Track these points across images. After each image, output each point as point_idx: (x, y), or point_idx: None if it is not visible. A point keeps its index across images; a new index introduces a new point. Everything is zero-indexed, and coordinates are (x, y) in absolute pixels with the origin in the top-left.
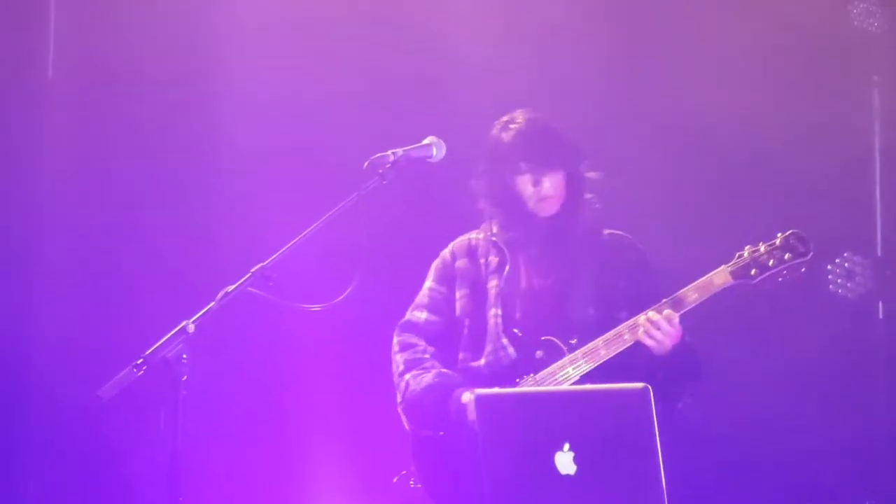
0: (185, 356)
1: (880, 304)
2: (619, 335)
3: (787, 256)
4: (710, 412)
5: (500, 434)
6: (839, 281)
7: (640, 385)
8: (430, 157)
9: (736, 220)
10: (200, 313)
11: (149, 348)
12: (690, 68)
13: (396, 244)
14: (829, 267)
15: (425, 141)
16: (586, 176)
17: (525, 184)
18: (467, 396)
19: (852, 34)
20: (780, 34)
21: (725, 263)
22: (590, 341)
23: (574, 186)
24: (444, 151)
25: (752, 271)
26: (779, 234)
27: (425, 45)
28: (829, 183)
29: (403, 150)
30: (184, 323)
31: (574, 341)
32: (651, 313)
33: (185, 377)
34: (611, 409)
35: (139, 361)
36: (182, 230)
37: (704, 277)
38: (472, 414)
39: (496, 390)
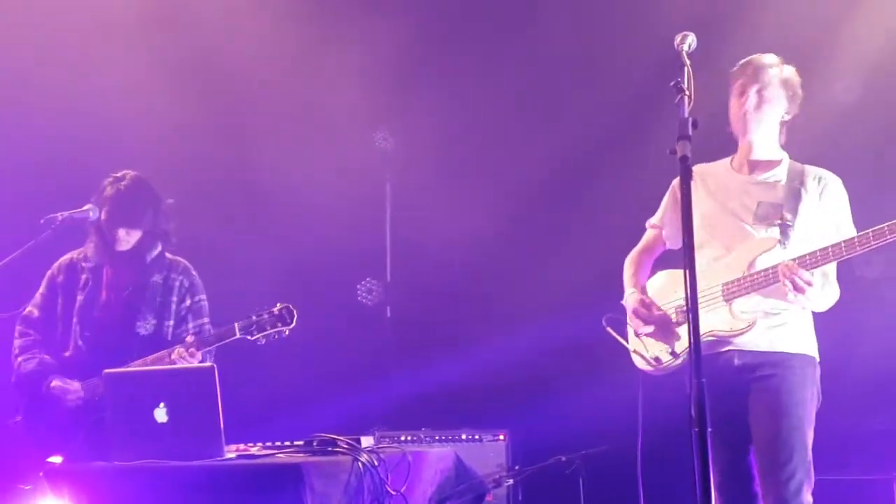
0: None
1: None
2: (167, 354)
3: (277, 323)
4: None
5: (121, 398)
6: None
7: (207, 364)
8: (89, 217)
9: None
10: None
11: None
12: None
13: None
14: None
15: (85, 207)
16: (160, 225)
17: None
18: (56, 383)
19: (375, 151)
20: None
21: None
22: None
23: (147, 233)
24: (97, 214)
25: (253, 332)
26: (277, 304)
27: None
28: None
29: (69, 213)
30: None
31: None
32: (179, 348)
33: None
34: (188, 380)
35: None
36: None
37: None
38: (65, 394)
39: (122, 370)
